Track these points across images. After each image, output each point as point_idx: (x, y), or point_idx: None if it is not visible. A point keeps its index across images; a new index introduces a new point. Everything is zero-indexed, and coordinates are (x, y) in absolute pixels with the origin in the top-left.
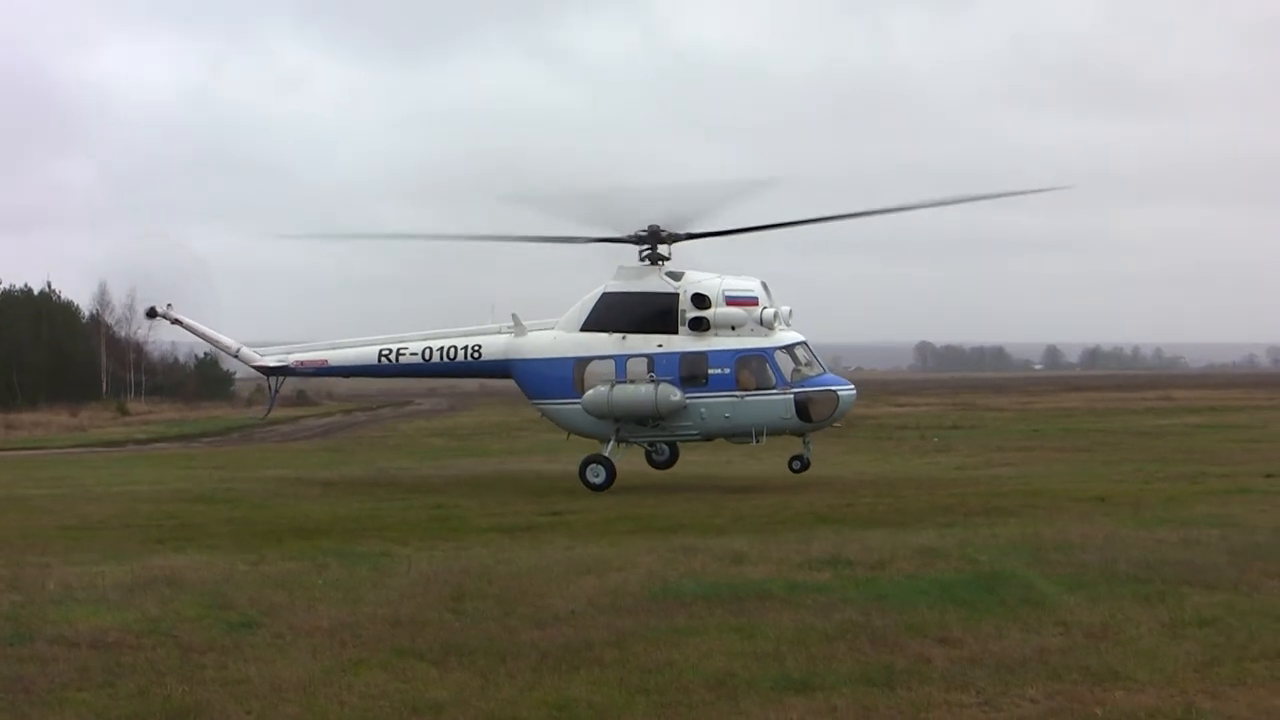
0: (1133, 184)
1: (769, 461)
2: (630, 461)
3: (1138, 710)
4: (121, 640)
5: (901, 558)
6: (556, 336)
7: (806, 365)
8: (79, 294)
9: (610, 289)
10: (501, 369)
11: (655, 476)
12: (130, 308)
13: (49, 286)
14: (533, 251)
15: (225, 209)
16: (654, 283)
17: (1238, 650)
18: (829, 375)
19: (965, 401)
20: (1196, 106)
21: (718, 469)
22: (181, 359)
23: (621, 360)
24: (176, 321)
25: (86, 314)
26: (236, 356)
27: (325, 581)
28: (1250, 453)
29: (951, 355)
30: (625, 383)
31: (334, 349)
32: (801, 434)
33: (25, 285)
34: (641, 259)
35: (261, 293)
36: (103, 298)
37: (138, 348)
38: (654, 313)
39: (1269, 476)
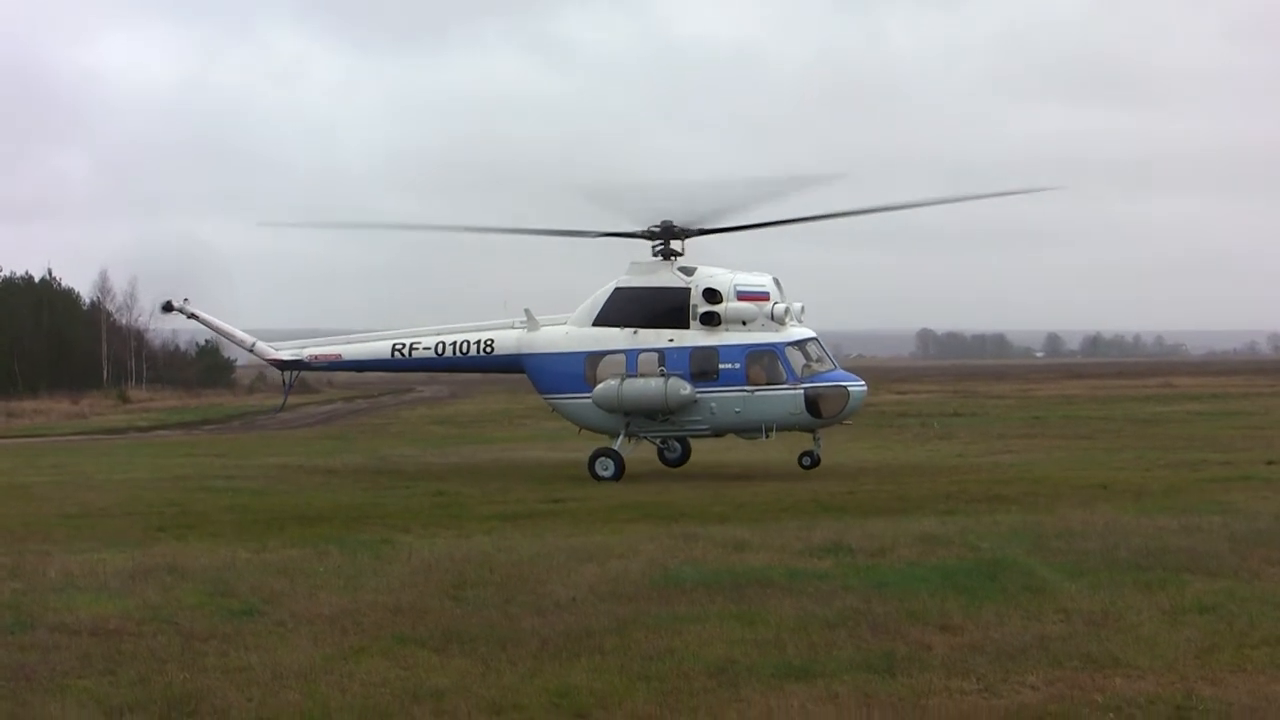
0: (1130, 174)
1: (770, 449)
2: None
3: (1138, 697)
4: (122, 628)
5: (903, 545)
6: (568, 331)
7: (817, 361)
8: (80, 282)
9: (622, 284)
10: (513, 364)
11: (657, 465)
12: (131, 295)
13: (50, 274)
14: (534, 244)
15: (222, 198)
16: (666, 278)
17: (1238, 637)
18: (840, 371)
19: (967, 389)
20: (1193, 98)
21: (719, 455)
22: (182, 347)
23: (633, 355)
24: (193, 316)
25: (87, 302)
26: (251, 351)
27: (326, 569)
28: (1251, 440)
29: (953, 343)
30: (635, 377)
31: (348, 343)
32: (811, 430)
33: (26, 273)
34: (655, 254)
35: (260, 281)
36: (104, 285)
37: (139, 335)
38: (666, 308)
39: (1270, 464)
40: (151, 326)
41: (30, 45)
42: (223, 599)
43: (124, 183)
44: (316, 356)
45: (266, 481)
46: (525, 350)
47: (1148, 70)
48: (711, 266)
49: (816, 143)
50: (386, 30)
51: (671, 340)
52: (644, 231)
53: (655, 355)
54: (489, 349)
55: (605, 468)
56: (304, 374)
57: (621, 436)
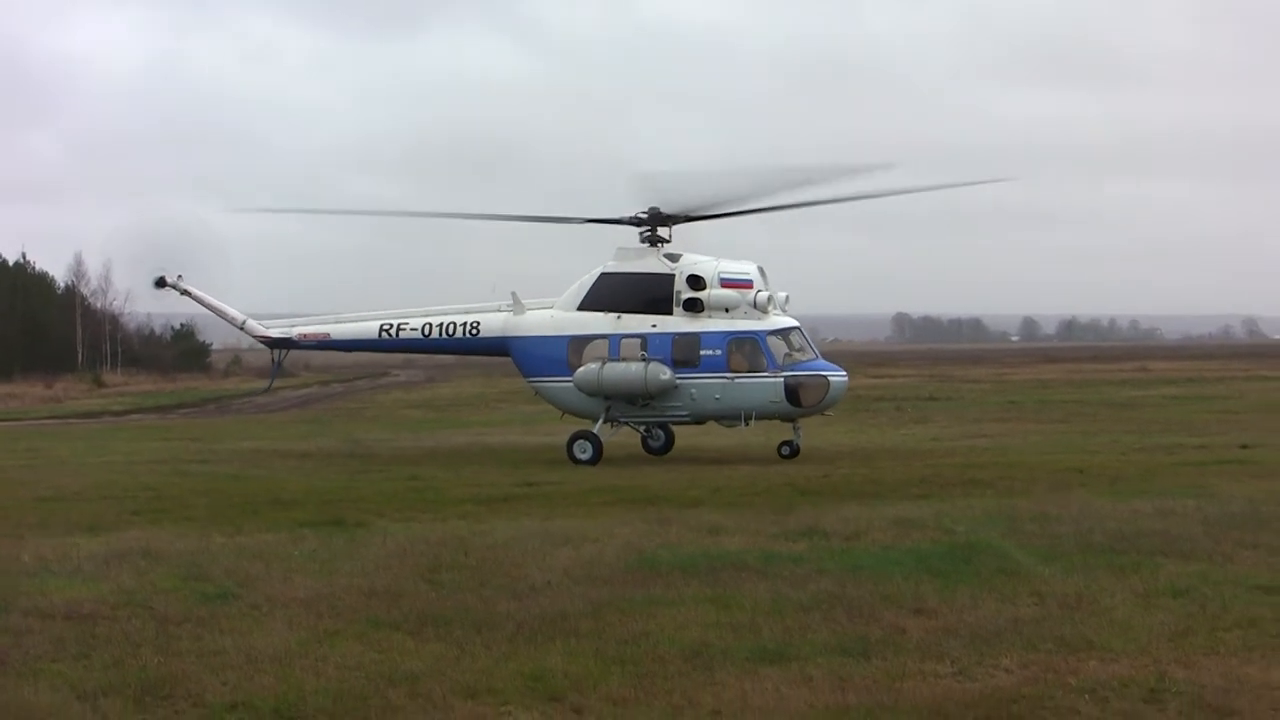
0: (1105, 157)
1: (746, 433)
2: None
3: (1111, 680)
4: (96, 612)
5: (877, 528)
6: (554, 315)
7: (799, 350)
8: (52, 264)
9: (608, 269)
10: (499, 346)
11: (633, 448)
12: (106, 279)
13: (24, 258)
14: (516, 229)
15: (196, 180)
16: (651, 264)
17: (1211, 620)
18: (821, 361)
19: (942, 373)
20: (1164, 81)
21: (695, 440)
22: (158, 330)
23: (615, 340)
24: (185, 293)
25: (62, 285)
26: (242, 328)
27: (301, 553)
28: (1226, 424)
29: (929, 326)
30: (616, 361)
31: (337, 323)
32: (791, 419)
33: None
34: (641, 240)
35: (237, 263)
36: (78, 269)
37: (113, 319)
38: (650, 293)
39: (1244, 447)
40: (126, 311)
41: (1, 28)
42: (197, 583)
43: (96, 165)
44: (305, 335)
45: (241, 465)
46: (510, 333)
47: (1122, 54)
48: (697, 253)
49: (789, 124)
50: (357, 11)
51: (654, 326)
52: (631, 218)
53: (638, 340)
54: (475, 331)
55: (583, 450)
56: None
57: (601, 420)
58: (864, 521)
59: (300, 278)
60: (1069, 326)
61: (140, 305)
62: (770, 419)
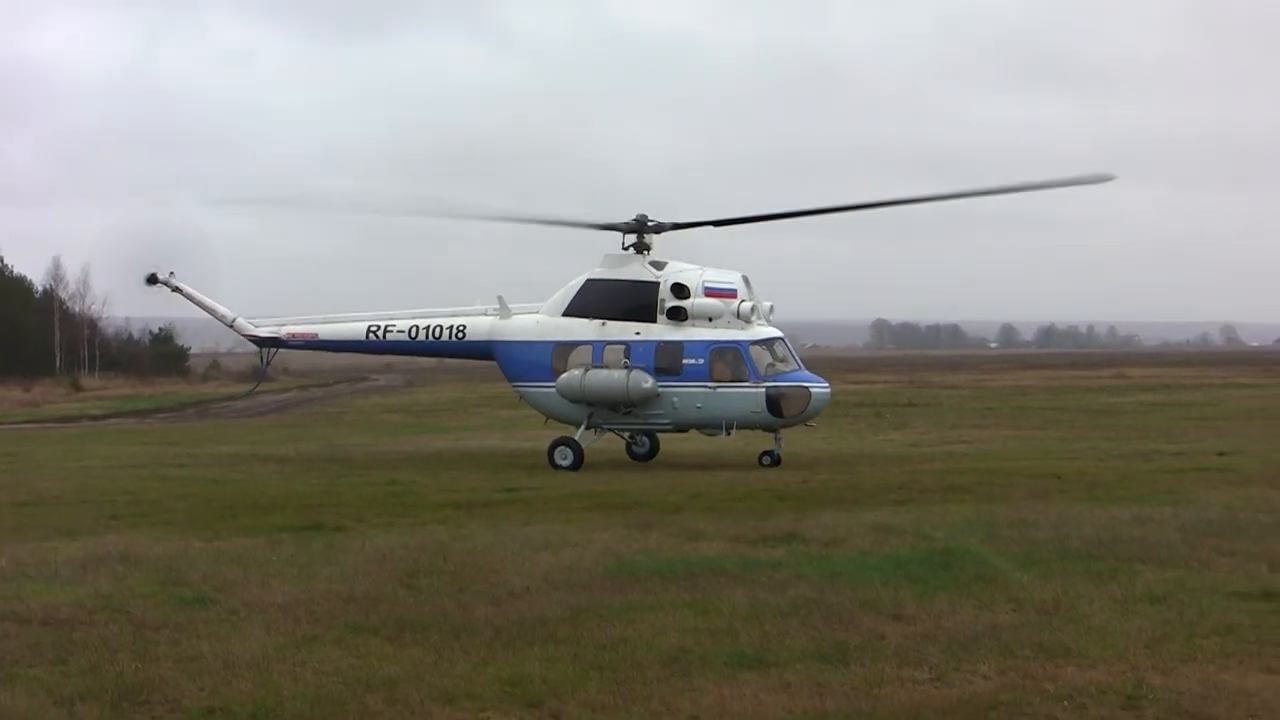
0: (1079, 164)
1: (726, 439)
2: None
3: (1088, 686)
4: (74, 616)
5: (856, 534)
6: (539, 320)
7: (782, 360)
8: (26, 267)
9: (594, 276)
10: (484, 350)
11: (613, 454)
12: (84, 282)
13: (1, 261)
14: (491, 232)
15: (172, 184)
16: (636, 271)
17: (1188, 626)
18: (804, 372)
19: (921, 379)
20: (1138, 88)
21: (674, 445)
22: (136, 334)
23: (599, 346)
24: (177, 289)
25: (40, 289)
26: (232, 326)
27: (279, 558)
28: (1203, 430)
29: (907, 333)
30: (599, 368)
31: (325, 323)
32: (773, 429)
33: None
34: (626, 248)
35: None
36: (56, 273)
37: (92, 323)
38: (634, 301)
39: (1222, 454)
40: (105, 314)
41: None
42: (175, 588)
43: (69, 169)
44: (294, 335)
45: (220, 470)
46: (496, 337)
47: (1093, 60)
48: (682, 262)
49: (763, 128)
50: (330, 16)
51: (638, 334)
52: (618, 224)
53: (621, 348)
54: (461, 334)
55: (564, 456)
56: (258, 362)
57: (583, 427)
58: (843, 527)
59: (279, 281)
60: (1047, 333)
61: (119, 309)
62: (752, 429)
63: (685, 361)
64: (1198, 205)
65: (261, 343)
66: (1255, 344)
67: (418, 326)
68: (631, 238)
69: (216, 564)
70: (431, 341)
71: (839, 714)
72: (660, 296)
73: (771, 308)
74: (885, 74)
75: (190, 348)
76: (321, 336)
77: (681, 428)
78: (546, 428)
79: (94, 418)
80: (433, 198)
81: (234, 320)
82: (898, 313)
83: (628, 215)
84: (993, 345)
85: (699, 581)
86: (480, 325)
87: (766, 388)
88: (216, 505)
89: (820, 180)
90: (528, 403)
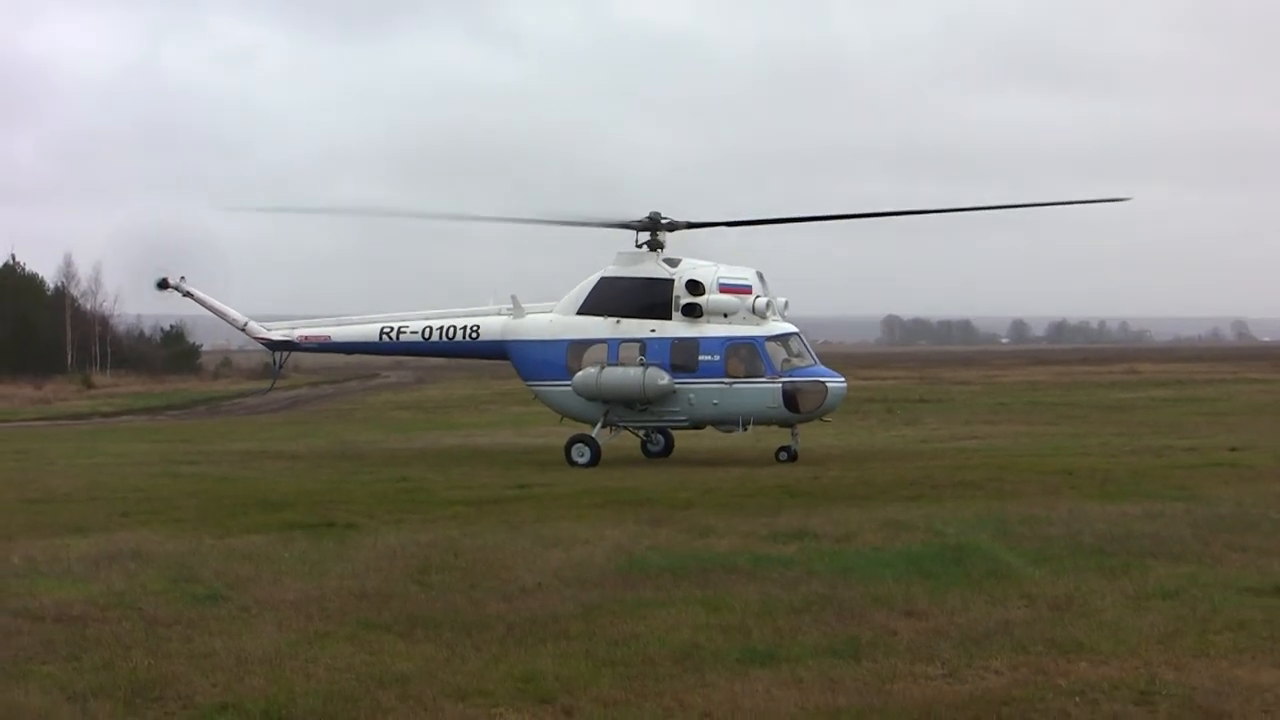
0: (1083, 161)
1: (738, 435)
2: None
3: (1101, 682)
4: (86, 613)
5: (868, 531)
6: (553, 319)
7: (797, 356)
8: (38, 265)
9: (608, 274)
10: (498, 350)
11: (624, 450)
12: (96, 280)
13: (13, 259)
14: (496, 231)
15: (176, 183)
16: (650, 269)
17: (1200, 622)
18: (820, 367)
19: (932, 375)
20: (1140, 86)
21: (686, 441)
22: (147, 332)
23: (614, 344)
24: (188, 294)
25: (51, 287)
26: (244, 330)
27: (291, 555)
28: (1215, 426)
29: (919, 328)
30: (615, 366)
31: (338, 325)
32: (788, 425)
33: None
34: (639, 245)
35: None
36: (68, 270)
37: (103, 321)
38: (649, 298)
39: (1233, 450)
40: (116, 312)
41: None
42: (187, 585)
43: (77, 168)
44: (306, 337)
45: (231, 467)
46: (510, 337)
47: (1095, 59)
48: (696, 259)
49: (765, 128)
50: (333, 16)
51: (653, 331)
52: (631, 223)
53: (637, 345)
54: (475, 335)
55: (581, 454)
56: (269, 359)
57: (599, 424)
58: (854, 523)
59: (285, 281)
60: (1059, 329)
61: (130, 306)
62: (768, 425)
63: (701, 358)
64: (1206, 202)
65: (274, 346)
66: (1267, 339)
67: (431, 327)
68: (645, 235)
69: (228, 561)
70: (445, 342)
71: (851, 710)
72: (675, 293)
73: (786, 303)
74: (886, 73)
75: (202, 345)
76: (334, 339)
77: (698, 424)
78: (559, 425)
79: (105, 415)
80: (447, 200)
81: (245, 324)
82: (909, 308)
83: (630, 214)
84: (1004, 341)
85: (711, 578)
86: (494, 325)
87: (783, 383)
88: (228, 502)
89: (822, 179)
90: (543, 402)
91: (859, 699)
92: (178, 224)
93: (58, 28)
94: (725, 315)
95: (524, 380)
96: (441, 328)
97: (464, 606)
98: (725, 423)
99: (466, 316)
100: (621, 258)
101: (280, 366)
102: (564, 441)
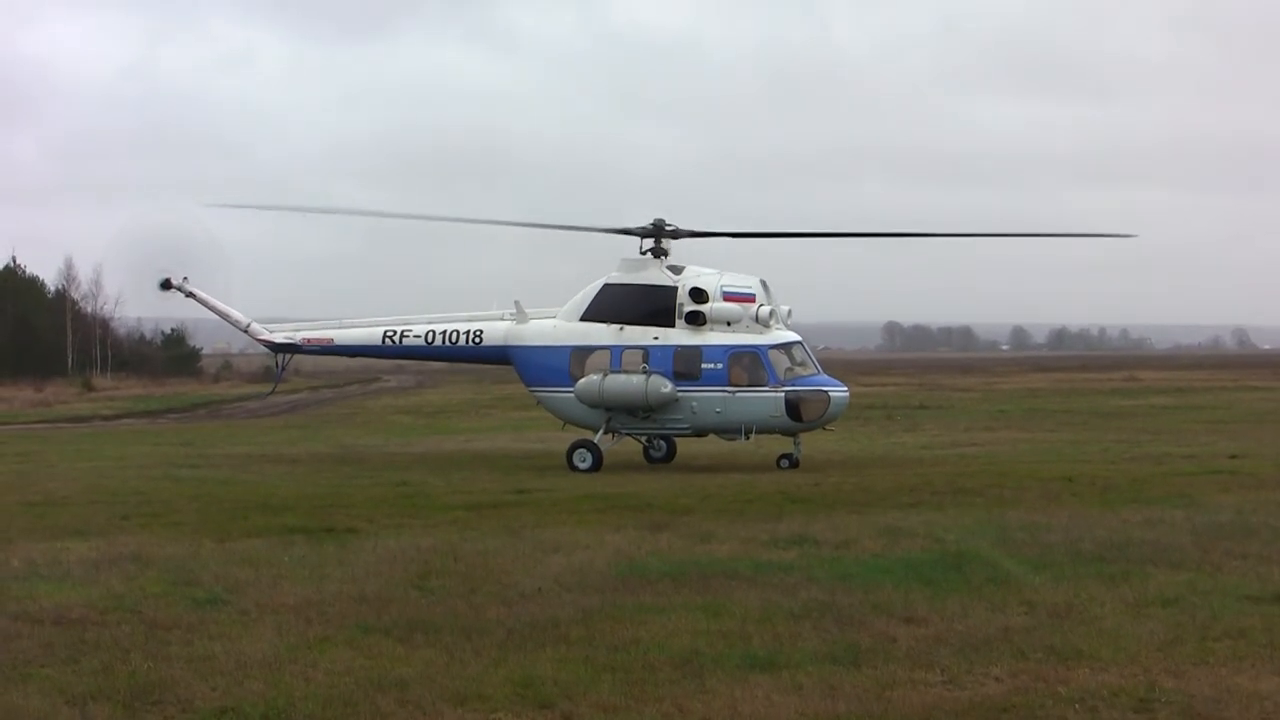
0: (1083, 166)
1: (738, 442)
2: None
3: (1101, 689)
4: (86, 617)
5: (867, 537)
6: (556, 325)
7: (800, 365)
8: (37, 268)
9: (611, 280)
10: (501, 355)
11: (625, 455)
12: (97, 283)
13: (14, 261)
14: (491, 236)
15: (176, 186)
16: (654, 276)
17: (1200, 630)
18: (823, 376)
19: (932, 381)
20: (1141, 89)
21: (686, 446)
22: (148, 335)
23: (617, 351)
24: (191, 295)
25: (52, 289)
26: (246, 332)
27: (291, 559)
28: (1215, 433)
29: (919, 335)
30: (618, 373)
31: (341, 328)
32: (791, 434)
33: None
34: (643, 253)
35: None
36: (68, 273)
37: (104, 323)
38: (652, 306)
39: (1233, 457)
40: (117, 315)
41: None
42: (187, 588)
43: (77, 169)
44: (309, 340)
45: (231, 470)
46: (513, 342)
47: (1094, 63)
48: (700, 266)
49: (764, 130)
50: (330, 18)
51: (656, 338)
52: (635, 229)
53: (640, 353)
54: (478, 340)
55: (583, 459)
56: (269, 363)
57: (601, 431)
58: (854, 530)
59: (287, 283)
60: (1059, 336)
61: (131, 309)
62: (770, 433)
63: (704, 366)
64: (1206, 208)
65: (277, 348)
66: (1267, 347)
67: (434, 331)
68: (649, 242)
69: (228, 565)
70: (448, 347)
71: (850, 716)
72: (678, 301)
73: (790, 312)
74: (886, 76)
75: (202, 348)
76: (338, 342)
77: (700, 432)
78: (559, 430)
79: (106, 418)
80: (445, 202)
81: (248, 326)
82: (910, 315)
83: (630, 217)
84: (1004, 348)
85: (711, 583)
86: (497, 330)
87: (786, 392)
88: (228, 506)
89: (821, 181)
90: (545, 408)
91: (858, 705)
92: (179, 225)
93: (56, 28)
94: (729, 323)
95: (526, 386)
96: (444, 332)
97: (464, 611)
98: (728, 431)
99: (470, 321)
100: (625, 264)
101: (283, 369)
102: (563, 446)
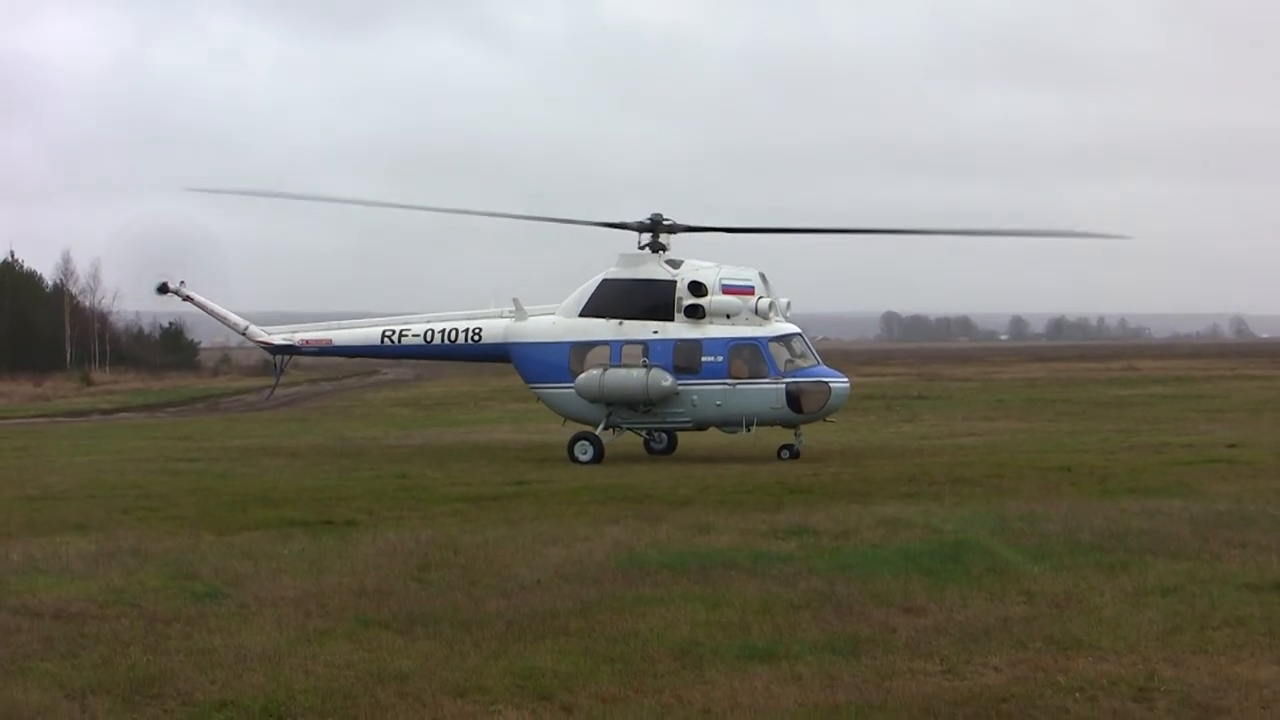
0: (1080, 158)
1: (741, 435)
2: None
3: (1100, 678)
4: (85, 610)
5: (866, 527)
6: (555, 321)
7: (800, 357)
8: (35, 264)
9: (610, 275)
10: (500, 353)
11: (624, 446)
12: (95, 277)
13: (12, 257)
14: (488, 231)
15: (172, 182)
16: (652, 270)
17: (1199, 619)
18: (823, 368)
19: (931, 371)
20: (1135, 81)
21: (684, 437)
22: (146, 329)
23: (617, 346)
24: (188, 299)
25: (50, 284)
26: (244, 334)
27: (290, 552)
28: (1214, 422)
29: (918, 325)
30: (618, 367)
31: (339, 329)
32: (792, 425)
33: None
34: (641, 247)
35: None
36: (66, 268)
37: (102, 318)
38: (651, 300)
39: (1232, 446)
40: (115, 309)
41: None
42: (186, 582)
43: (71, 166)
44: (308, 341)
45: (230, 464)
46: (512, 339)
47: (1086, 55)
48: (698, 259)
49: (758, 125)
50: (322, 13)
51: (656, 332)
52: (633, 224)
53: (639, 347)
54: (477, 338)
55: (584, 451)
56: (269, 356)
57: (602, 424)
58: (853, 520)
59: (281, 278)
60: (1058, 325)
61: (128, 304)
62: (771, 425)
63: (704, 359)
64: (1202, 198)
65: (276, 350)
66: (1265, 335)
67: (433, 330)
68: (646, 237)
69: (227, 558)
70: (447, 345)
71: (850, 706)
72: (677, 295)
73: (789, 304)
74: (880, 69)
75: (200, 342)
76: (336, 342)
77: (701, 426)
78: (554, 421)
79: (104, 412)
80: (440, 198)
81: (246, 328)
82: (908, 305)
83: (627, 212)
84: (1003, 337)
85: (710, 574)
86: (496, 328)
87: (786, 384)
88: (227, 499)
89: (817, 175)
90: (546, 404)
91: (858, 696)
92: (175, 226)
93: (52, 26)
94: (728, 316)
95: (526, 383)
96: (444, 330)
97: (463, 603)
98: (728, 424)
99: (468, 319)
100: (624, 259)
101: (282, 371)
102: (561, 438)
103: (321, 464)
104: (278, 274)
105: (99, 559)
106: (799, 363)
